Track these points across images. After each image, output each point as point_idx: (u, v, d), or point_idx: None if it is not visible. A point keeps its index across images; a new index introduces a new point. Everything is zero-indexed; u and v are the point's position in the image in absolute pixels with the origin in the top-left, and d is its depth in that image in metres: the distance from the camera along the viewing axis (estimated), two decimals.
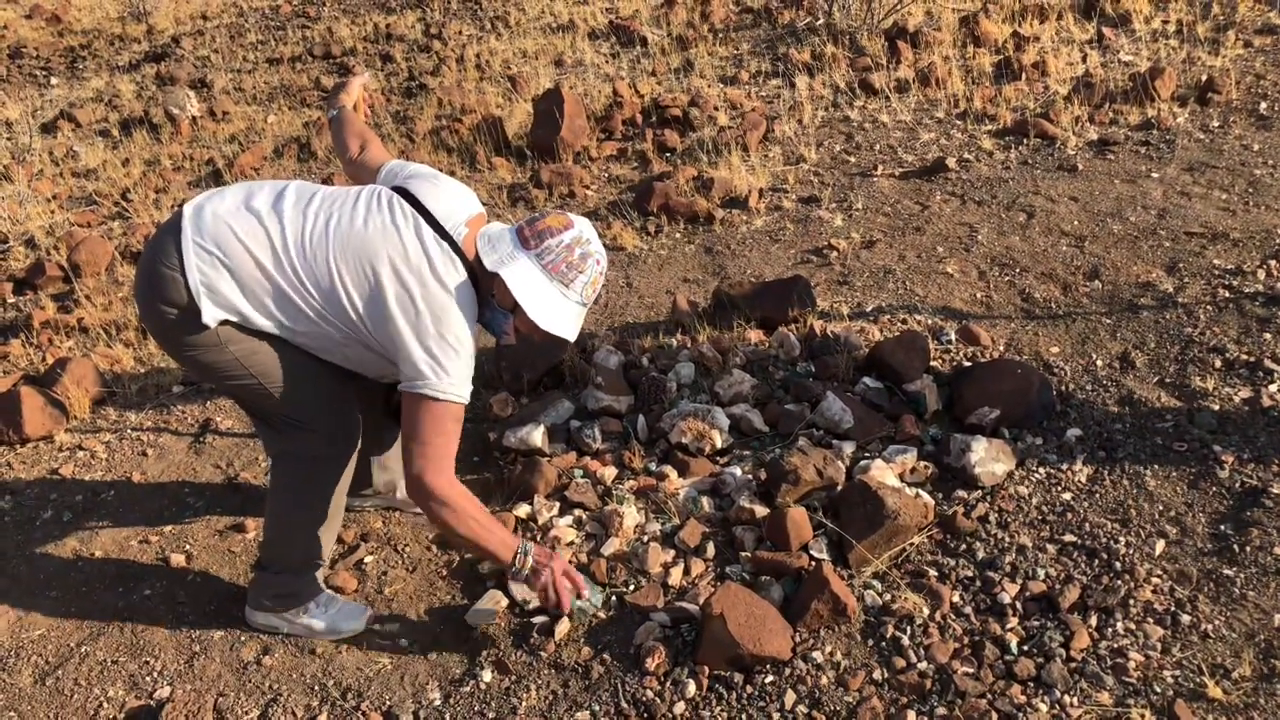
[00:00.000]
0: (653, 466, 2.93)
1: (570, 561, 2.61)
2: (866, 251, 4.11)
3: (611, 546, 2.63)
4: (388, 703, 2.29)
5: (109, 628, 2.56)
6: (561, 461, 2.97)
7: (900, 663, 2.21)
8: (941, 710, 2.08)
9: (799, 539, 2.53)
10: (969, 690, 2.10)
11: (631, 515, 2.72)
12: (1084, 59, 5.95)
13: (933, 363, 3.22)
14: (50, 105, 8.03)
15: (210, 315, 2.10)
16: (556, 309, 2.16)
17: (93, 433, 3.44)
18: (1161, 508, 2.56)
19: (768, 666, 2.22)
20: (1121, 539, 2.46)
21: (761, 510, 2.65)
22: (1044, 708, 2.05)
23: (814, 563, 2.47)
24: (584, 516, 2.77)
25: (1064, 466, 2.74)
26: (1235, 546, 2.39)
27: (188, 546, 2.84)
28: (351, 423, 2.38)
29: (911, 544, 2.53)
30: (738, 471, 2.83)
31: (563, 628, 2.36)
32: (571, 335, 2.21)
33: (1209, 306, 3.34)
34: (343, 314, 2.14)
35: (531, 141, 5.61)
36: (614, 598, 2.50)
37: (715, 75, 6.71)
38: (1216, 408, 2.87)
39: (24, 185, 5.80)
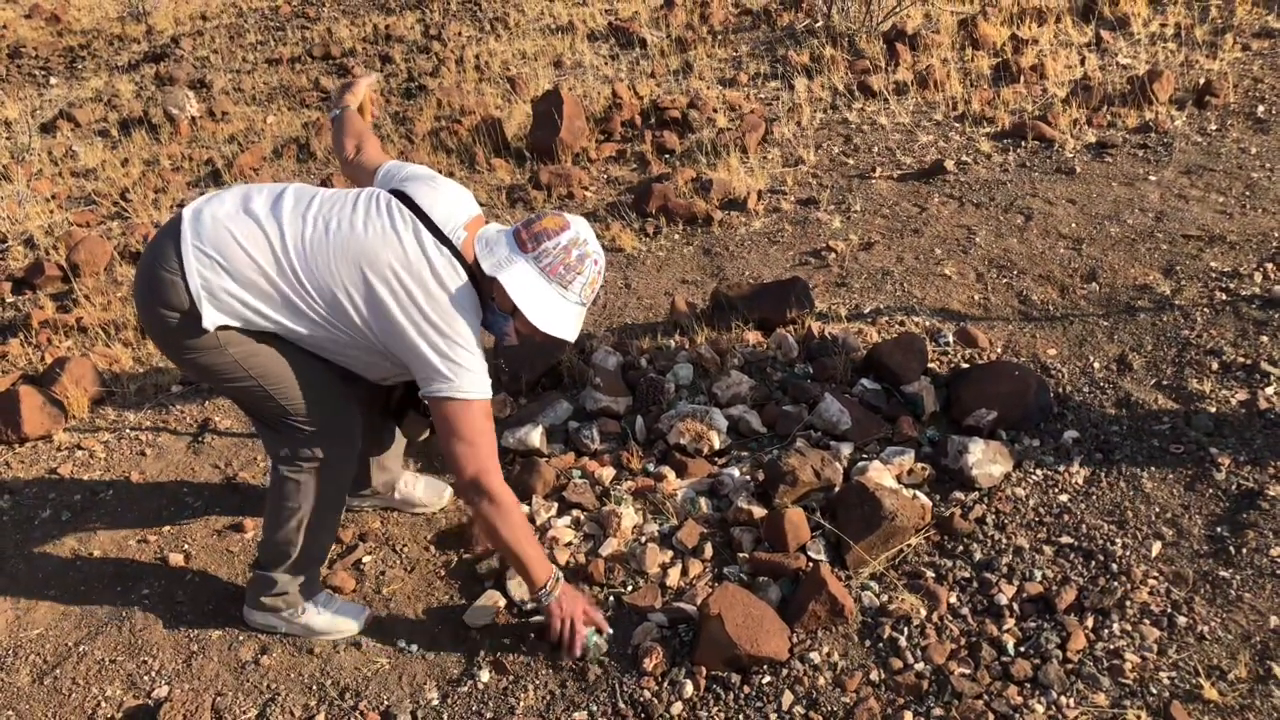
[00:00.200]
0: (651, 467, 2.93)
1: (568, 562, 2.62)
2: (864, 253, 4.11)
3: (609, 547, 2.64)
4: (385, 702, 2.29)
5: (107, 627, 2.56)
6: (560, 462, 2.97)
7: (897, 664, 2.21)
8: (938, 711, 2.08)
9: (796, 540, 2.54)
10: (966, 691, 2.11)
11: (629, 516, 2.72)
12: (1082, 62, 5.96)
13: (930, 364, 3.23)
14: (49, 105, 8.03)
15: (211, 319, 2.10)
16: (555, 311, 2.16)
17: (91, 432, 3.45)
18: (1158, 510, 2.56)
19: (765, 667, 2.23)
20: (1118, 541, 2.47)
21: (759, 511, 2.65)
22: (1040, 709, 2.05)
23: (811, 564, 2.48)
24: (582, 517, 2.78)
25: (1061, 468, 2.75)
26: (1231, 548, 2.39)
27: (186, 546, 2.84)
28: (352, 425, 2.38)
29: (909, 545, 2.54)
30: (735, 472, 2.83)
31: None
32: (571, 336, 2.22)
33: (1206, 309, 3.35)
34: (346, 319, 2.15)
35: (530, 143, 5.62)
36: (612, 598, 2.50)
37: (714, 77, 6.72)
38: (1213, 410, 2.88)
39: (23, 185, 5.80)
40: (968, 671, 2.17)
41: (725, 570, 2.55)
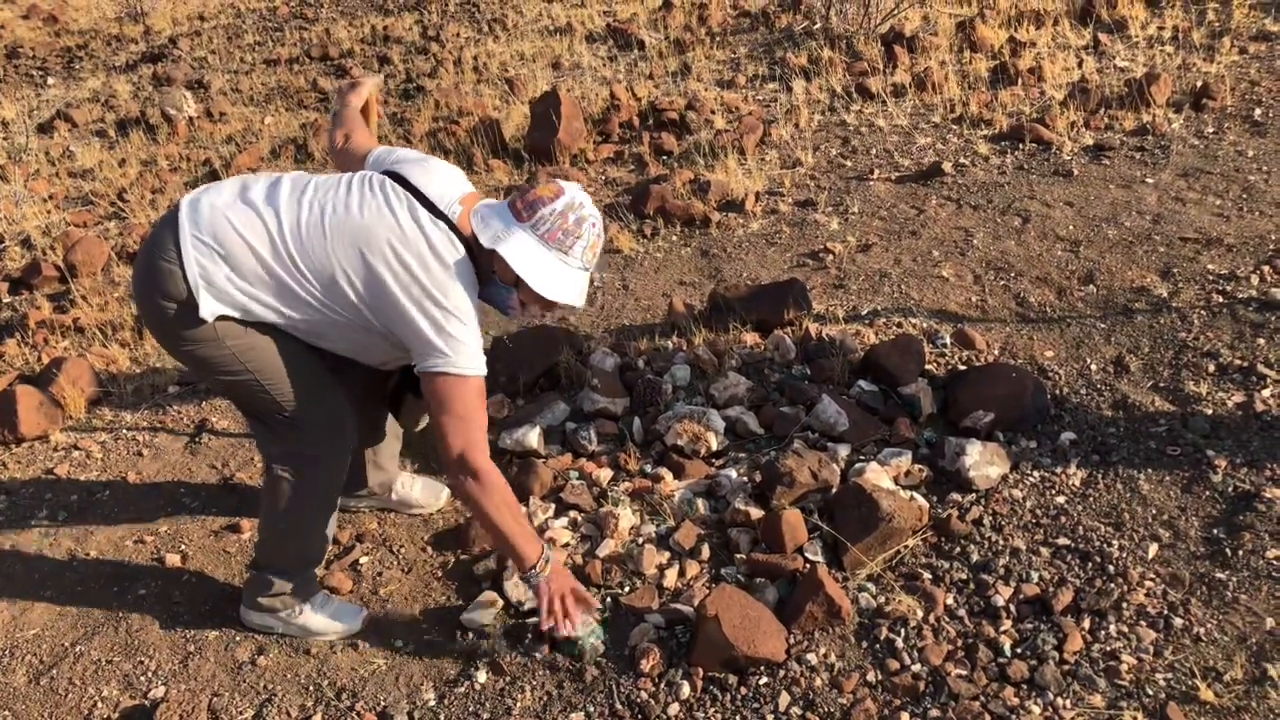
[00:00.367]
0: (648, 468, 2.93)
1: (565, 563, 2.62)
2: (862, 255, 4.12)
3: (606, 548, 2.64)
4: (382, 703, 2.29)
5: (104, 627, 2.56)
6: (557, 463, 2.97)
7: (894, 665, 2.21)
8: (935, 712, 2.08)
9: (794, 541, 2.54)
10: (962, 692, 2.11)
11: (627, 517, 2.72)
12: (1080, 65, 5.97)
13: (928, 366, 3.23)
14: (47, 105, 8.02)
15: (208, 308, 2.10)
16: (559, 278, 2.15)
17: (88, 433, 3.44)
18: (1155, 511, 2.57)
19: (762, 668, 2.23)
20: (1115, 542, 2.47)
21: (756, 512, 2.65)
22: (1037, 710, 2.06)
23: (808, 565, 2.48)
24: (579, 518, 2.78)
25: (1058, 470, 2.75)
26: (1228, 550, 2.40)
27: (183, 546, 2.84)
28: (344, 422, 2.38)
29: (906, 547, 2.54)
30: (733, 474, 2.83)
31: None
32: (579, 302, 2.20)
33: (1203, 311, 3.35)
34: (344, 300, 2.14)
35: (529, 144, 5.62)
36: (609, 599, 2.50)
37: (712, 79, 6.72)
38: (1210, 412, 2.89)
39: (20, 185, 5.80)
40: (964, 673, 2.17)
41: (722, 571, 2.55)
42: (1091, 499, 2.64)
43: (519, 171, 5.47)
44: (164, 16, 10.78)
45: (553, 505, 2.82)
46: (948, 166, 4.80)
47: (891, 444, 2.92)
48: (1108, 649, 2.18)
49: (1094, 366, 3.18)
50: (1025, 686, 2.12)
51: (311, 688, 2.35)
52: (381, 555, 2.76)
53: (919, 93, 5.91)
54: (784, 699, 2.16)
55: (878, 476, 2.71)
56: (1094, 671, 2.13)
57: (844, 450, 2.87)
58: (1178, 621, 2.22)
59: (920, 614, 2.33)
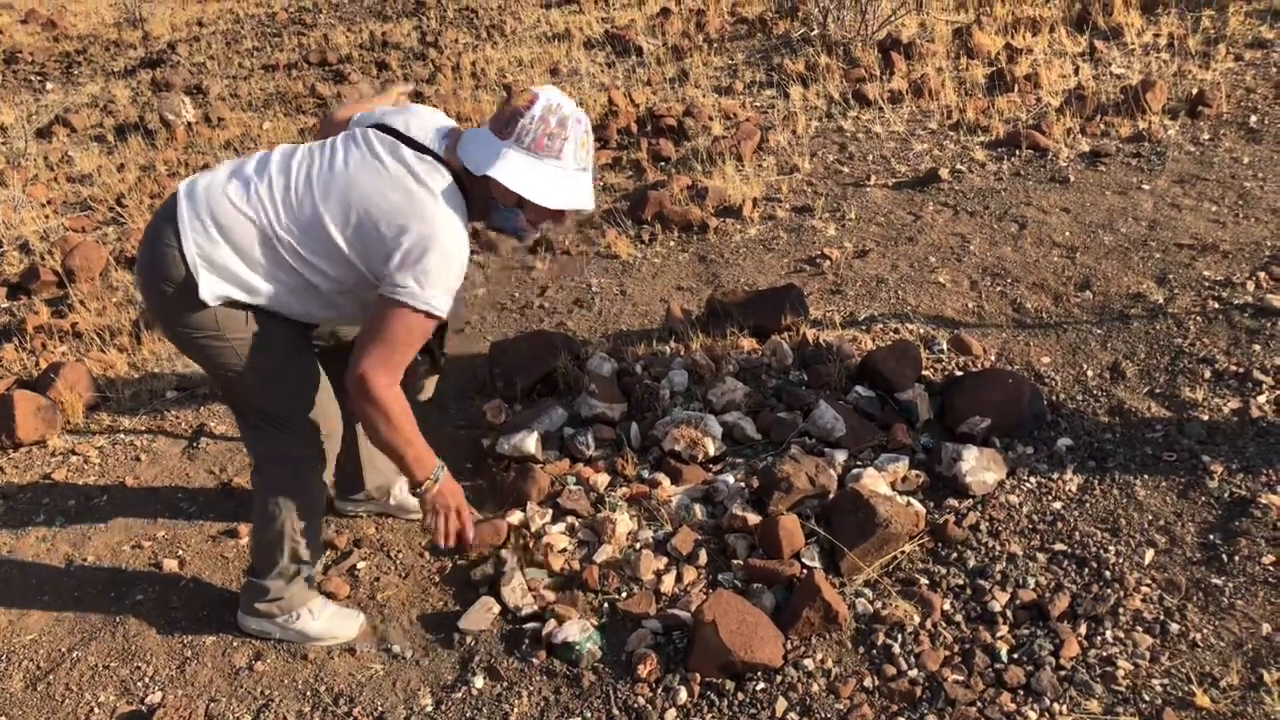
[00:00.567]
0: (645, 474, 2.94)
1: (562, 569, 2.62)
2: (859, 261, 4.13)
3: (604, 554, 2.64)
4: (380, 708, 2.29)
5: (101, 633, 2.56)
6: (554, 468, 2.97)
7: (891, 670, 2.22)
8: (932, 718, 2.09)
9: (791, 547, 2.54)
10: (959, 698, 2.11)
11: (624, 522, 2.72)
12: (1076, 71, 5.99)
13: (924, 372, 3.24)
14: (45, 110, 8.03)
15: (208, 288, 2.10)
16: (558, 184, 2.11)
17: (86, 437, 3.44)
18: (1151, 517, 2.57)
19: (759, 674, 2.23)
20: (1111, 548, 2.48)
21: (754, 518, 2.66)
22: (1034, 715, 2.06)
23: (806, 570, 2.48)
24: (577, 524, 2.78)
25: (1054, 476, 2.76)
26: (1224, 556, 2.40)
27: (180, 551, 2.84)
28: (333, 422, 2.38)
29: (903, 552, 2.54)
30: (730, 479, 2.84)
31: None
32: (588, 204, 2.15)
33: (1199, 318, 3.36)
34: (337, 254, 2.10)
35: None
36: (606, 604, 2.50)
37: (710, 85, 6.74)
38: (1206, 418, 2.89)
39: (18, 190, 5.80)
40: (961, 678, 2.17)
41: (720, 577, 2.55)
42: (1088, 505, 2.65)
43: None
44: (163, 22, 10.80)
45: (550, 510, 2.82)
46: (944, 173, 4.81)
47: (888, 449, 2.93)
48: (1104, 655, 2.18)
49: (1090, 372, 3.19)
50: (1022, 692, 2.12)
51: (309, 693, 2.35)
52: (379, 560, 2.76)
53: (916, 99, 5.92)
54: (781, 704, 2.16)
55: (875, 482, 2.71)
56: (1090, 677, 2.13)
57: (841, 456, 2.88)
58: (1174, 627, 2.23)
59: (917, 619, 2.33)
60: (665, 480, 2.87)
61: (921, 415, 3.05)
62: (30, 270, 4.71)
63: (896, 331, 3.54)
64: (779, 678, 2.22)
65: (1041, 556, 2.49)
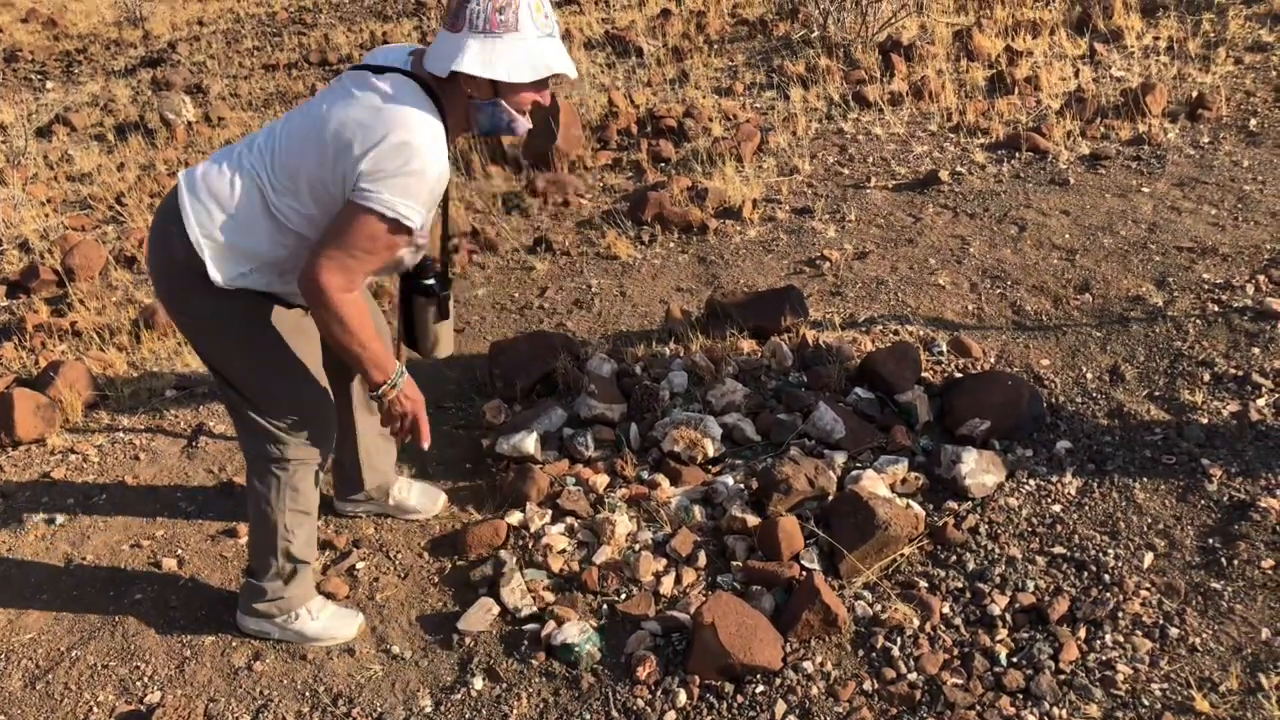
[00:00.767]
0: (645, 475, 2.94)
1: (561, 570, 2.62)
2: (859, 263, 4.13)
3: (603, 555, 2.64)
4: (379, 709, 2.29)
5: (100, 632, 2.56)
6: (554, 469, 2.97)
7: (890, 673, 2.22)
8: None
9: (790, 549, 2.54)
10: (958, 701, 2.11)
11: (623, 523, 2.72)
12: (1076, 74, 6.00)
13: (924, 374, 3.24)
14: (45, 109, 8.02)
15: (215, 268, 2.09)
16: (525, 57, 2.02)
17: (85, 436, 3.44)
18: (1150, 520, 2.57)
19: (758, 676, 2.23)
20: (1110, 551, 2.48)
21: (753, 519, 2.66)
22: (1033, 719, 2.06)
23: (805, 573, 2.48)
24: (576, 524, 2.78)
25: (1054, 479, 2.76)
26: (1223, 560, 2.40)
27: (179, 551, 2.84)
28: (328, 422, 2.38)
29: (902, 555, 2.54)
30: (730, 480, 2.84)
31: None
32: (565, 68, 2.07)
33: (1198, 320, 3.36)
34: (325, 197, 2.06)
35: (527, 150, 5.63)
36: (605, 606, 2.50)
37: (710, 86, 6.74)
38: (1205, 421, 2.89)
39: (18, 189, 5.80)
40: (960, 682, 2.17)
41: (719, 579, 2.55)
42: (1087, 508, 2.65)
43: (517, 178, 5.47)
44: (163, 21, 10.80)
45: (549, 511, 2.82)
46: (944, 175, 4.81)
47: (888, 452, 2.93)
48: (1104, 658, 2.18)
49: (1090, 375, 3.19)
50: (1021, 696, 2.12)
51: (308, 694, 2.34)
52: (378, 561, 2.76)
53: (916, 101, 5.93)
54: (780, 707, 2.16)
55: (874, 484, 2.71)
56: (1090, 681, 2.13)
57: (840, 458, 2.88)
58: (1173, 631, 2.23)
59: (916, 622, 2.33)
60: (665, 481, 2.87)
61: (921, 417, 3.05)
62: (30, 269, 4.71)
63: (896, 333, 3.54)
64: (778, 680, 2.22)
65: (1041, 559, 2.49)
